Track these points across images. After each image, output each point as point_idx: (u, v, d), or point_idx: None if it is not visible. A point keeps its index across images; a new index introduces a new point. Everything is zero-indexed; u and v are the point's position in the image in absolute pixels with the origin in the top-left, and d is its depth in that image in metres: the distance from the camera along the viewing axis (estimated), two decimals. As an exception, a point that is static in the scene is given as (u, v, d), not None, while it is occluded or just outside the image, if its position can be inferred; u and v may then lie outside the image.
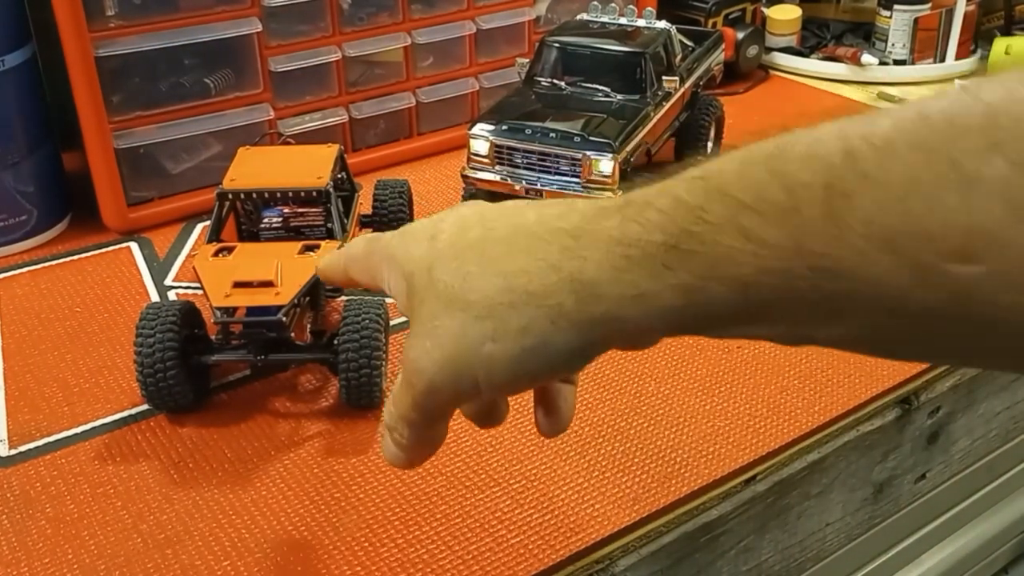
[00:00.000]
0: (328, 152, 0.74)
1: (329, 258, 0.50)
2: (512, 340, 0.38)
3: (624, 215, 0.36)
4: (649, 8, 0.97)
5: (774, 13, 1.29)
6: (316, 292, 0.68)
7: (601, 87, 0.85)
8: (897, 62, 1.26)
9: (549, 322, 0.37)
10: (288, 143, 0.82)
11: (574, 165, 0.78)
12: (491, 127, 0.80)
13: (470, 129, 0.81)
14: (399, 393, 0.42)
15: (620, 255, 0.36)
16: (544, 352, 0.38)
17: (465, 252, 0.40)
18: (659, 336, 0.38)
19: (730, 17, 1.25)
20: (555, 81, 0.86)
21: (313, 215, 0.70)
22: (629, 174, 0.80)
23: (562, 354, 0.38)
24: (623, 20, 0.92)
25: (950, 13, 1.25)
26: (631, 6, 1.07)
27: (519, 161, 0.79)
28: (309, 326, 0.68)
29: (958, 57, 1.27)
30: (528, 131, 0.79)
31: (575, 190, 0.78)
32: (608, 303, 0.36)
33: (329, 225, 0.70)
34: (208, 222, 0.70)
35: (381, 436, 0.47)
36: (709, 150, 0.99)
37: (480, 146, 0.80)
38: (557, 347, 0.38)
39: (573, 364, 0.40)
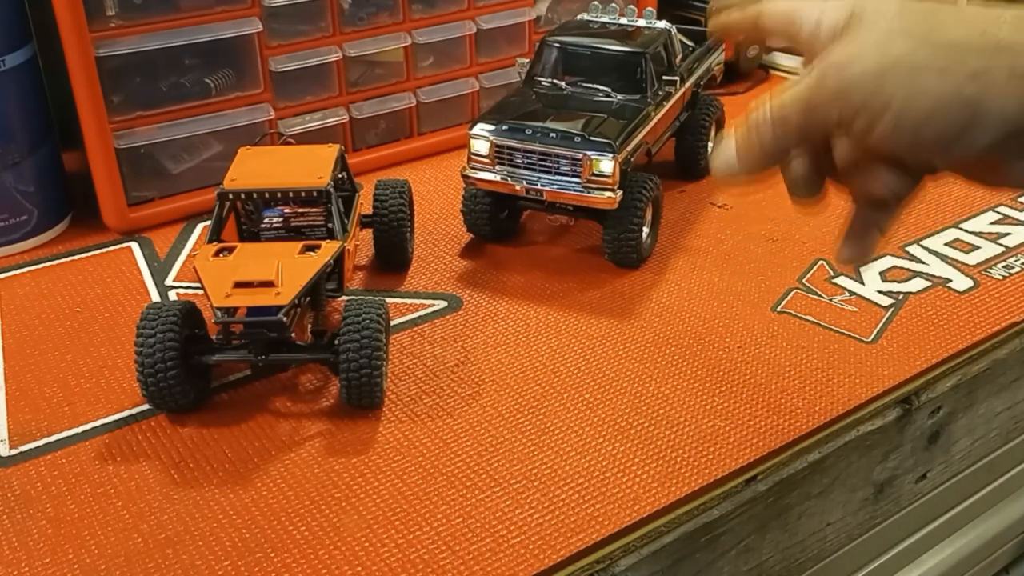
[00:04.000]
0: (329, 152, 0.74)
1: (734, 13, 0.50)
2: (956, 80, 0.38)
3: None
4: (649, 8, 0.97)
5: (774, 13, 1.29)
6: (317, 292, 0.68)
7: (601, 87, 0.85)
8: (898, 62, 1.26)
9: (1007, 75, 0.37)
10: (288, 143, 0.82)
11: (574, 165, 0.78)
12: (491, 127, 0.80)
13: (470, 129, 0.80)
14: (795, 90, 0.43)
15: None
16: (975, 107, 0.38)
17: (935, 6, 0.40)
18: None
19: (730, 17, 1.25)
20: (555, 81, 0.86)
21: (314, 215, 0.70)
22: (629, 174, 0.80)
23: (991, 118, 0.38)
24: (623, 20, 0.92)
25: (951, 13, 1.24)
26: (631, 6, 1.07)
27: (519, 161, 0.79)
28: (310, 326, 0.68)
29: (959, 57, 1.26)
30: (528, 131, 0.79)
31: (575, 190, 0.78)
32: None
33: (330, 225, 0.70)
34: (208, 222, 0.70)
35: (718, 147, 0.46)
36: (709, 150, 0.99)
37: (480, 146, 0.80)
38: (992, 107, 0.38)
39: (983, 139, 0.39)
